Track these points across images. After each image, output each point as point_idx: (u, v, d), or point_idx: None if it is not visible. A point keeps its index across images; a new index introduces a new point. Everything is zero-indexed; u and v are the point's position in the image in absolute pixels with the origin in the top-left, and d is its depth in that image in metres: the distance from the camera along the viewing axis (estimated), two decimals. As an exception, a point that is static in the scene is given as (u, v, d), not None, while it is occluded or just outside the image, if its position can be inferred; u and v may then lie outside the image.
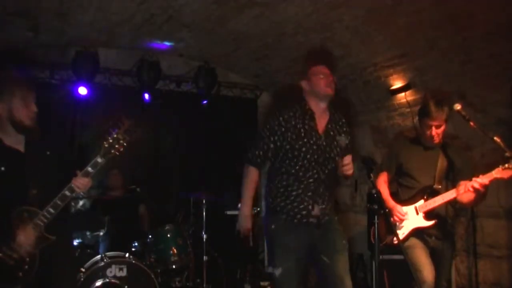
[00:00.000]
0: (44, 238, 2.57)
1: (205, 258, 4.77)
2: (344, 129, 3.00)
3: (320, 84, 2.89)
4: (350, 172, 2.87)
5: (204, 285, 4.76)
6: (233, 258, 5.53)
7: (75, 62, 5.16)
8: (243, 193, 2.92)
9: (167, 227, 4.54)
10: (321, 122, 2.93)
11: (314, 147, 2.85)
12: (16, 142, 2.60)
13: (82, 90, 5.31)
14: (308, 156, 2.83)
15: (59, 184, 2.57)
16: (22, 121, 2.55)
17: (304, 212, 2.80)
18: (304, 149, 2.82)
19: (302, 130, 2.85)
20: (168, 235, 4.50)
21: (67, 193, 2.56)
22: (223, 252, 5.25)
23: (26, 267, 2.53)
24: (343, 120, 3.03)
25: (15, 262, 2.48)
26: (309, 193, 2.82)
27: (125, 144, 2.55)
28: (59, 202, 2.55)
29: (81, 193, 2.84)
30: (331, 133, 2.94)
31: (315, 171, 2.84)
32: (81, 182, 2.57)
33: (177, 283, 4.58)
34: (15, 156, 2.60)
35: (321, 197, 2.84)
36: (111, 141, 2.52)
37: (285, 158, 2.85)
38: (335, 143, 2.91)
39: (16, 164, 2.60)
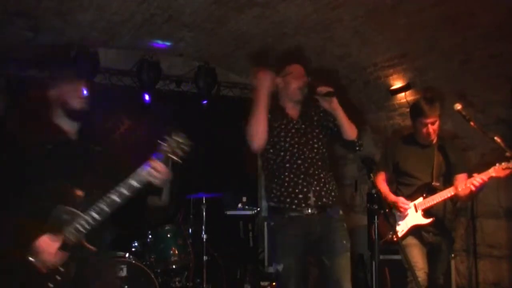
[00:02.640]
0: (82, 247, 2.19)
1: (205, 258, 4.78)
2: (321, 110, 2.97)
3: (291, 85, 2.92)
4: (326, 89, 2.78)
5: (204, 285, 4.76)
6: (233, 258, 5.53)
7: (75, 62, 5.15)
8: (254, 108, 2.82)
9: (167, 227, 4.54)
10: (294, 111, 2.97)
11: (292, 130, 2.89)
12: (68, 128, 2.35)
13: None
14: (288, 139, 2.86)
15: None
16: (72, 105, 2.31)
17: (300, 196, 2.78)
18: (283, 133, 2.86)
19: (275, 124, 2.88)
20: (168, 235, 4.50)
21: (124, 191, 2.17)
22: (223, 252, 5.25)
23: (59, 278, 2.15)
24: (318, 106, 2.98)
25: (48, 269, 2.11)
26: (301, 176, 2.81)
27: (186, 150, 2.21)
28: (105, 207, 2.20)
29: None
30: (308, 115, 2.97)
31: (300, 152, 2.85)
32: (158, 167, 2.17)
33: (177, 283, 4.59)
34: (66, 141, 2.31)
35: (314, 179, 2.83)
36: (172, 143, 2.20)
37: (270, 148, 2.88)
38: (315, 122, 2.93)
39: (65, 149, 2.28)
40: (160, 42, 5.32)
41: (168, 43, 5.37)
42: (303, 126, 2.93)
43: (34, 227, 2.12)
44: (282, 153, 2.85)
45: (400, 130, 5.03)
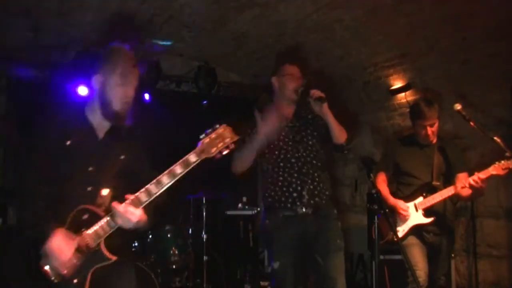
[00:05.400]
0: (101, 256, 1.95)
1: (205, 258, 4.78)
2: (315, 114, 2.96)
3: (288, 86, 2.95)
4: (318, 93, 2.79)
5: (204, 285, 4.76)
6: (233, 258, 5.53)
7: (75, 62, 5.15)
8: (248, 146, 2.81)
9: (167, 227, 4.54)
10: (289, 110, 3.00)
11: (286, 128, 2.92)
12: (99, 126, 2.13)
13: (82, 90, 5.31)
14: (282, 137, 2.88)
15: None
16: (112, 102, 2.07)
17: (295, 195, 2.81)
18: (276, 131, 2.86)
19: None
20: (168, 235, 4.50)
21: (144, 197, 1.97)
22: (223, 252, 5.25)
23: None
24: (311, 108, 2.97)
25: (60, 279, 1.89)
26: (295, 175, 2.84)
27: (231, 146, 2.05)
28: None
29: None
30: (302, 114, 3.01)
31: (295, 149, 2.87)
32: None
33: (177, 283, 4.59)
34: (90, 138, 2.10)
35: (308, 178, 2.85)
36: (213, 136, 2.05)
37: (265, 148, 2.89)
38: (310, 120, 2.96)
39: (86, 147, 2.06)
40: (160, 42, 5.31)
41: (168, 43, 5.37)
42: (297, 124, 2.96)
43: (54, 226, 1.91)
44: (276, 152, 2.88)
45: (400, 130, 5.03)
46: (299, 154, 2.87)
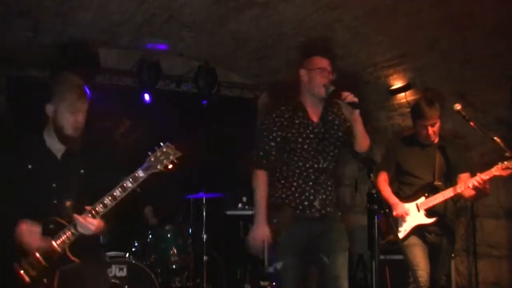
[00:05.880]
0: (66, 259, 2.27)
1: (205, 258, 4.78)
2: (340, 113, 2.87)
3: (318, 81, 2.78)
4: (351, 98, 2.63)
5: (204, 285, 4.76)
6: (233, 258, 5.53)
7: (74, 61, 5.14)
8: (255, 199, 2.80)
9: (167, 227, 4.54)
10: (316, 110, 2.86)
11: (311, 135, 2.79)
12: (56, 148, 2.41)
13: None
14: (306, 146, 2.77)
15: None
16: (64, 128, 2.34)
17: (306, 203, 2.76)
18: (300, 139, 2.77)
19: (296, 121, 2.80)
20: (168, 235, 4.50)
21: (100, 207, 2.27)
22: (223, 252, 5.25)
23: None
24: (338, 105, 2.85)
25: (32, 280, 2.21)
26: (310, 183, 2.77)
27: (175, 161, 2.29)
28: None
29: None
30: (329, 117, 2.87)
31: (315, 160, 2.78)
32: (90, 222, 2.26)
33: (177, 283, 4.58)
34: (49, 160, 2.38)
35: (322, 187, 2.80)
36: (158, 154, 2.28)
37: (284, 151, 2.81)
38: (335, 127, 2.85)
39: (47, 168, 2.36)
40: (159, 41, 5.31)
41: (166, 44, 5.37)
42: (322, 130, 2.83)
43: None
44: (295, 158, 2.78)
45: (400, 130, 5.03)
46: (319, 165, 2.79)
